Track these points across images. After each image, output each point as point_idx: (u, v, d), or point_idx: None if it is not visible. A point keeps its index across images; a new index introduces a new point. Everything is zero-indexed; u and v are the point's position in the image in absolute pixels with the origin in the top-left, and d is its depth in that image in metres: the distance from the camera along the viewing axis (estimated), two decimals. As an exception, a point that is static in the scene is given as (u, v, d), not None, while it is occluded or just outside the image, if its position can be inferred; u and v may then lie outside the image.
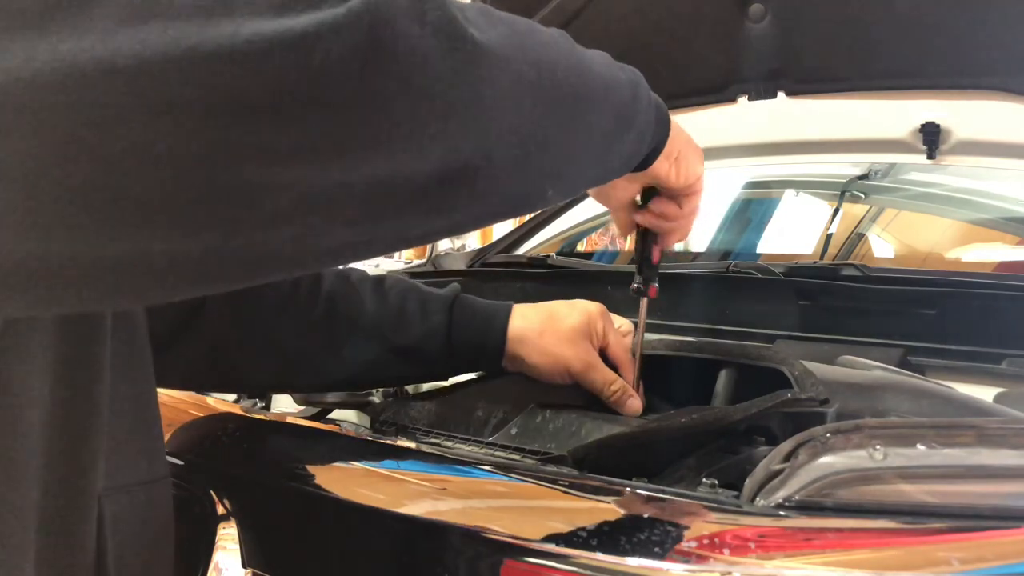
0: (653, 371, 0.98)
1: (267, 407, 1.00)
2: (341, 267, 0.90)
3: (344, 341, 0.85)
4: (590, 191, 0.85)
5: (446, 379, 0.96)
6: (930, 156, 1.48)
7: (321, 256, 0.45)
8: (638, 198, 0.83)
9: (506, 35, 0.46)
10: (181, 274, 0.39)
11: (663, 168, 0.75)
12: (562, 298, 0.93)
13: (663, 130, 0.70)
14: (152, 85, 0.34)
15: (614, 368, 0.89)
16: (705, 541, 0.51)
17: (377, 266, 2.48)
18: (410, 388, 1.05)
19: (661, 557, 0.51)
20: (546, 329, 0.89)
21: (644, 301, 0.88)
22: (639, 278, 0.86)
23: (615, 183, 0.80)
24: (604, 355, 0.90)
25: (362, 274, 0.90)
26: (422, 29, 0.40)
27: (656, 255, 0.86)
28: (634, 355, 0.90)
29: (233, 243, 0.39)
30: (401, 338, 0.87)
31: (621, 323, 0.94)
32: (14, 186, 0.34)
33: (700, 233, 2.15)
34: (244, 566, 0.66)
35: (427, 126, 0.42)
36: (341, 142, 0.39)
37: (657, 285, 0.87)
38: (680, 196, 0.81)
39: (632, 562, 0.51)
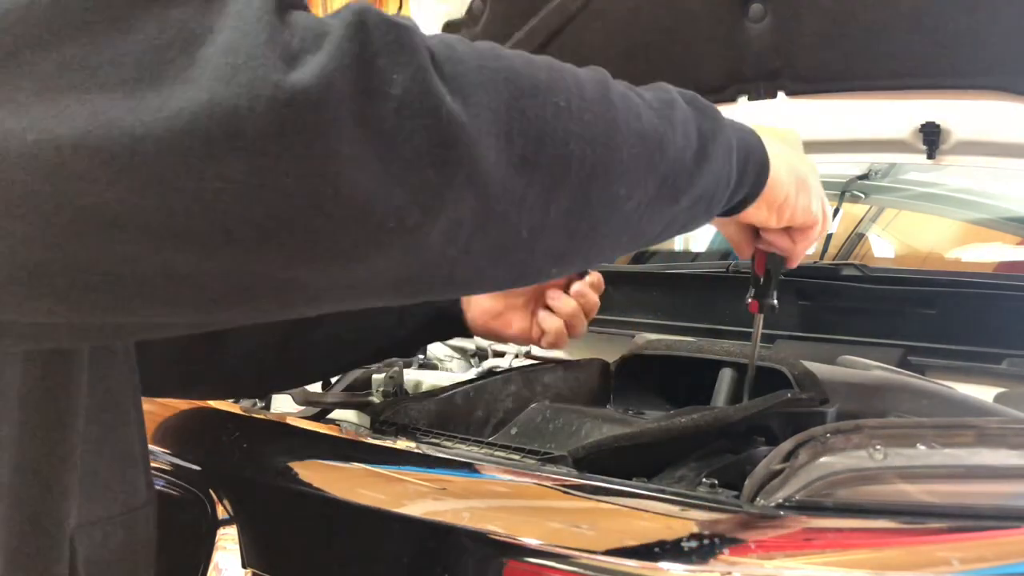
0: (653, 371, 0.98)
1: (267, 407, 1.00)
2: None
3: (315, 327, 0.83)
4: None
5: (408, 347, 0.94)
6: (930, 156, 1.48)
7: (269, 319, 0.42)
8: None
9: (504, 100, 0.40)
10: (114, 335, 0.38)
11: (759, 216, 0.67)
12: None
13: (755, 180, 0.62)
14: (66, 165, 0.31)
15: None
16: (705, 541, 0.51)
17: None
18: (410, 388, 1.05)
19: (661, 557, 0.51)
20: None
21: (759, 318, 0.84)
22: (752, 291, 0.83)
23: None
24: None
25: None
26: (382, 106, 0.35)
27: (760, 269, 0.82)
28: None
29: (167, 317, 0.37)
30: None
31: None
32: None
33: (700, 233, 2.15)
34: (244, 566, 0.66)
35: (385, 220, 0.36)
36: (276, 234, 0.35)
37: (776, 302, 0.83)
38: (793, 231, 0.73)
39: (632, 562, 0.51)
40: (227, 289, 0.36)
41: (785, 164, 0.64)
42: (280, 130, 0.33)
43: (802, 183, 0.67)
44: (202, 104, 0.32)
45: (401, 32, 0.37)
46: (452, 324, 0.89)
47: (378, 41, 0.36)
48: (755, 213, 0.66)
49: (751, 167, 0.60)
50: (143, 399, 0.60)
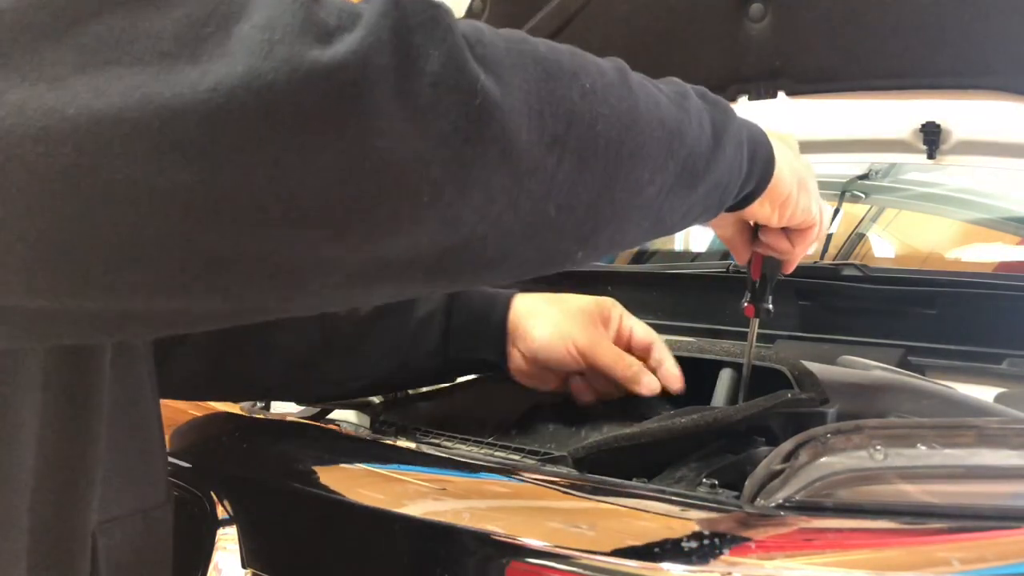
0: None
1: (267, 407, 1.00)
2: None
3: (354, 340, 0.82)
4: None
5: (443, 378, 0.92)
6: (930, 156, 1.48)
7: (306, 311, 0.43)
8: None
9: (534, 81, 0.41)
10: (144, 326, 0.38)
11: (762, 212, 0.68)
12: (562, 298, 0.92)
13: (762, 174, 0.63)
14: (104, 140, 0.32)
15: (646, 353, 0.85)
16: (705, 541, 0.51)
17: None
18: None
19: (661, 557, 0.51)
20: (552, 301, 0.84)
21: (755, 322, 0.85)
22: (748, 296, 0.83)
23: None
24: (629, 346, 0.86)
25: None
26: (418, 81, 0.36)
27: (755, 273, 0.82)
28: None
29: (191, 304, 0.37)
30: (402, 326, 0.82)
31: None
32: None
33: (700, 233, 2.15)
34: (244, 566, 0.66)
35: (419, 192, 0.37)
36: (314, 206, 0.35)
37: (771, 307, 0.83)
38: (791, 232, 0.74)
39: (632, 562, 0.51)
40: (262, 268, 0.36)
41: (787, 163, 0.65)
42: (317, 105, 0.33)
43: (802, 183, 0.68)
44: (239, 78, 0.32)
45: (435, 11, 0.37)
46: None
47: (413, 18, 0.36)
48: (759, 209, 0.66)
49: (759, 161, 0.61)
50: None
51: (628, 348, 0.86)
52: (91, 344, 0.51)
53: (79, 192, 0.32)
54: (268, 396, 0.92)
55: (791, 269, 0.82)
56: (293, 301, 0.40)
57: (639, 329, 0.87)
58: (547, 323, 0.83)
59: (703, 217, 0.60)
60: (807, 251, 0.79)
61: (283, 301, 0.39)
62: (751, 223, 0.77)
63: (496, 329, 0.84)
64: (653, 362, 0.85)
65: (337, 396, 0.89)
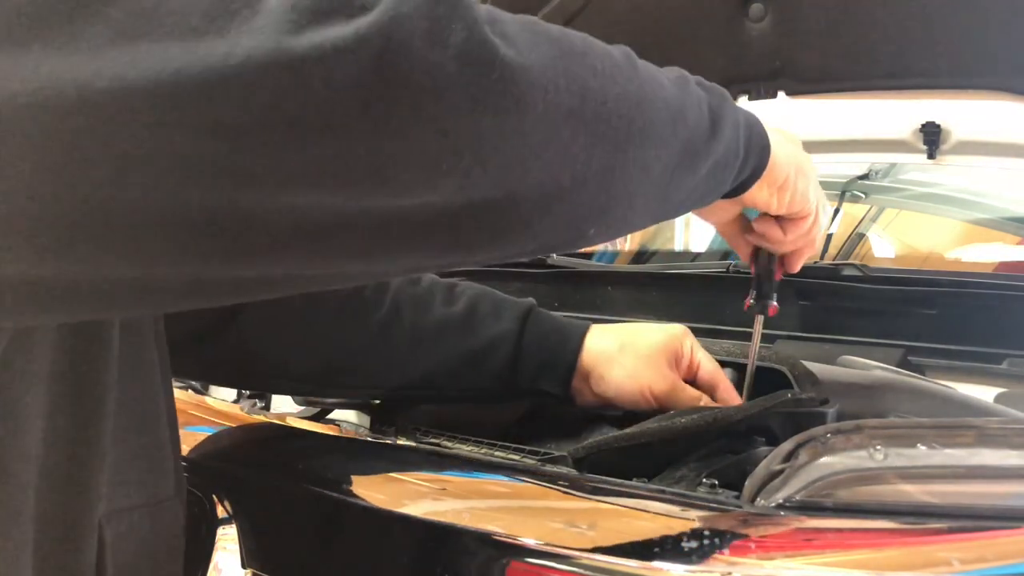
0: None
1: (267, 407, 1.00)
2: None
3: (405, 346, 0.81)
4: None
5: (498, 401, 0.88)
6: (930, 156, 1.48)
7: (324, 284, 0.43)
8: (748, 215, 0.78)
9: (549, 57, 0.42)
10: (163, 297, 0.38)
11: (761, 197, 0.69)
12: (561, 298, 0.93)
13: (759, 158, 0.65)
14: (136, 110, 0.33)
15: (710, 392, 0.85)
16: (705, 541, 0.51)
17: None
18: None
19: (661, 557, 0.51)
20: (626, 344, 0.83)
21: (759, 319, 0.84)
22: (754, 293, 0.83)
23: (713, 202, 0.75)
24: (695, 379, 0.85)
25: (433, 278, 0.85)
26: (442, 53, 0.37)
27: (778, 272, 0.81)
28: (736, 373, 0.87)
29: (221, 271, 0.38)
30: (467, 341, 0.82)
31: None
32: (17, 210, 0.33)
33: (700, 233, 2.15)
34: (244, 566, 0.66)
35: (440, 160, 0.38)
36: (340, 173, 0.37)
37: (776, 304, 0.83)
38: (784, 221, 0.75)
39: (632, 562, 0.51)
40: (284, 231, 0.37)
41: (783, 150, 0.67)
42: (345, 78, 0.35)
43: (800, 169, 0.70)
44: (269, 52, 0.33)
45: None
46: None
47: None
48: (758, 193, 0.68)
49: (755, 144, 0.63)
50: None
51: (693, 379, 0.86)
52: (99, 334, 0.51)
53: (112, 160, 0.33)
54: (306, 392, 0.90)
55: (795, 267, 0.82)
56: (314, 264, 0.40)
57: (707, 364, 0.86)
58: (622, 369, 0.82)
59: (705, 199, 0.61)
60: (806, 246, 0.79)
61: (307, 263, 0.40)
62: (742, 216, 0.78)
63: (565, 367, 0.83)
64: (718, 400, 0.85)
65: (373, 397, 0.88)
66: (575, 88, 0.43)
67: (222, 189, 0.35)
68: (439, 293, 0.84)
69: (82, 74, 0.32)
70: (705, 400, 0.83)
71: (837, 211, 1.66)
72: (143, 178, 0.34)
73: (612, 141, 0.46)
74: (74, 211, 0.34)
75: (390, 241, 0.41)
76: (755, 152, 0.64)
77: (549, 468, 0.67)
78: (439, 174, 0.38)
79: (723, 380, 0.85)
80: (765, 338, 1.12)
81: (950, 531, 0.52)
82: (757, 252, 0.82)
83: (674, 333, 0.85)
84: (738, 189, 0.66)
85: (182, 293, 0.39)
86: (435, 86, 0.37)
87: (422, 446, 0.75)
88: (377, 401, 0.92)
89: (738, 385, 0.87)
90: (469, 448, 0.74)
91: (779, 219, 0.75)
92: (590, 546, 0.53)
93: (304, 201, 0.37)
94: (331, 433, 0.79)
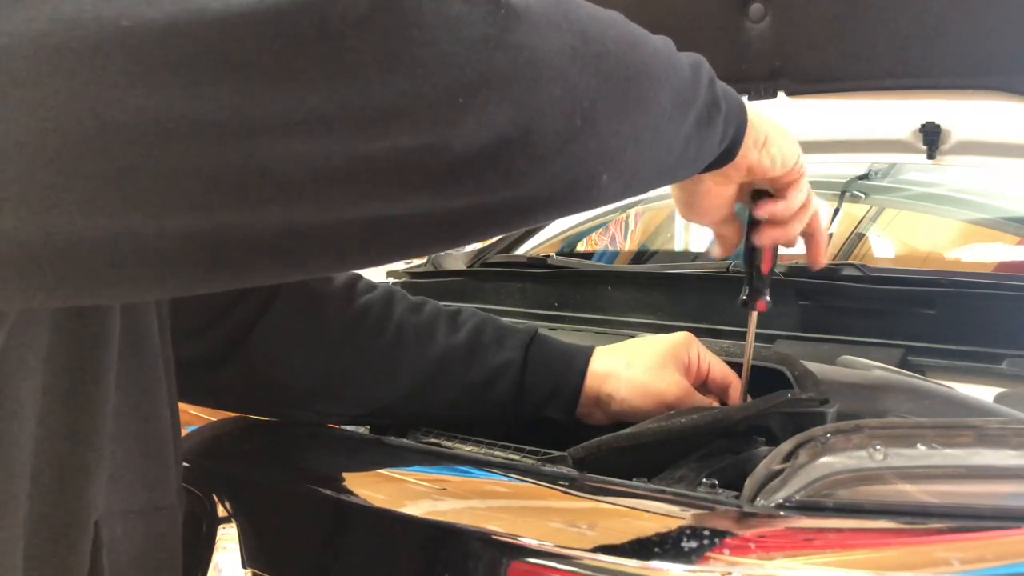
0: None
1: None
2: (413, 298, 0.84)
3: (409, 373, 0.80)
4: (681, 211, 0.79)
5: (501, 424, 0.86)
6: (930, 156, 1.48)
7: (346, 240, 0.42)
8: (741, 213, 0.78)
9: (548, 2, 0.44)
10: (195, 255, 0.37)
11: (753, 156, 0.69)
12: (561, 298, 0.92)
13: (737, 114, 0.65)
14: (157, 49, 0.33)
15: (722, 393, 0.85)
16: (705, 541, 0.51)
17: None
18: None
19: (661, 557, 0.51)
20: (633, 360, 0.82)
21: (753, 315, 0.84)
22: (747, 289, 0.83)
23: (706, 192, 0.74)
24: (706, 382, 0.86)
25: (436, 306, 0.84)
26: None
27: (766, 266, 0.82)
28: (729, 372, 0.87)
29: (248, 218, 0.37)
30: (471, 371, 0.81)
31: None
32: (6, 158, 0.32)
33: (700, 233, 2.15)
34: (244, 566, 0.66)
35: (456, 96, 0.39)
36: (358, 111, 0.37)
37: (768, 299, 0.83)
38: (783, 188, 0.75)
39: (632, 562, 0.51)
40: (310, 175, 0.37)
41: (753, 111, 0.68)
42: (359, 17, 0.36)
43: (776, 127, 0.71)
44: None
45: None
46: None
47: None
48: (748, 153, 0.68)
49: (732, 99, 0.63)
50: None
51: (704, 383, 0.86)
52: (97, 330, 0.51)
53: (130, 103, 0.33)
54: (309, 416, 0.85)
55: (820, 255, 0.83)
56: (330, 212, 0.39)
57: (716, 365, 0.86)
58: (631, 385, 0.82)
59: (700, 153, 0.61)
60: (807, 211, 0.78)
61: (320, 211, 0.39)
62: (747, 216, 0.78)
63: (570, 393, 0.83)
64: (730, 400, 0.85)
65: (375, 423, 0.86)
66: (576, 29, 0.45)
67: (238, 132, 0.35)
68: (442, 323, 0.83)
69: (103, 13, 0.32)
70: (712, 402, 0.83)
71: (837, 211, 1.66)
72: (160, 121, 0.33)
73: (614, 80, 0.48)
74: (85, 160, 0.33)
75: (405, 185, 0.40)
76: (734, 108, 0.64)
77: (549, 468, 0.67)
78: (456, 109, 0.39)
79: (735, 379, 0.86)
80: (766, 338, 1.12)
81: (950, 531, 0.52)
82: (752, 251, 0.82)
83: (679, 341, 0.85)
84: (731, 150, 0.66)
85: (200, 261, 0.38)
86: (448, 22, 0.38)
87: (422, 446, 0.75)
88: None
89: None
90: (469, 448, 0.74)
91: (776, 193, 0.76)
92: (590, 546, 0.53)
93: (322, 142, 0.37)
94: (331, 433, 0.80)
